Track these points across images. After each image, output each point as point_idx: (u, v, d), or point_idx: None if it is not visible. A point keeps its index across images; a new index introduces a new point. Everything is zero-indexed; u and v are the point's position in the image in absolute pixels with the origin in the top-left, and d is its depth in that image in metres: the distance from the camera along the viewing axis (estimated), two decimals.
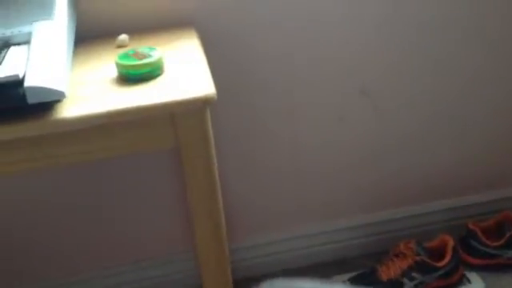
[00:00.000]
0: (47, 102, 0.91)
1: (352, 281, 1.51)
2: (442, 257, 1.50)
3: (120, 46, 1.15)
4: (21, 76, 0.90)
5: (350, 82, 1.44)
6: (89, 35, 1.18)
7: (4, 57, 0.96)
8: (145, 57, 1.02)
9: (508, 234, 1.51)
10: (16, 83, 0.89)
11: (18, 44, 1.00)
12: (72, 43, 1.09)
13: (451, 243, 1.50)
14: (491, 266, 1.53)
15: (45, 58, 0.94)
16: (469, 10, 1.42)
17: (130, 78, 1.02)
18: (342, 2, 1.35)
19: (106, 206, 1.46)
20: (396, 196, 1.59)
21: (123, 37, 1.16)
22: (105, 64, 1.08)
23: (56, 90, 0.90)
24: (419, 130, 1.53)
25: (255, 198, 1.53)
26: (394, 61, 1.44)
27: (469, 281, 1.52)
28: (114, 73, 1.04)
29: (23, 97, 0.88)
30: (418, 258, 1.48)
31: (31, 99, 0.89)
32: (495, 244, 1.52)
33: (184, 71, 1.05)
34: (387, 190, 1.58)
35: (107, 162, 1.37)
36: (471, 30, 1.45)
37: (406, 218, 1.61)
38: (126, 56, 1.04)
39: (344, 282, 1.50)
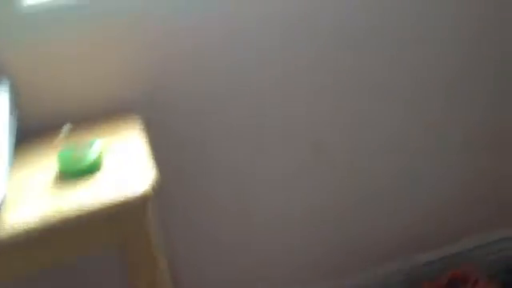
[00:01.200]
0: None
1: None
2: None
3: (63, 138, 1.16)
4: None
5: (301, 143, 1.45)
6: (31, 129, 1.19)
7: None
8: (85, 154, 1.04)
9: None
10: None
11: None
12: (13, 141, 1.10)
13: None
14: None
15: None
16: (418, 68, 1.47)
17: (69, 175, 1.04)
18: (288, 61, 1.36)
19: None
20: (352, 260, 1.61)
21: (66, 127, 1.17)
22: (46, 161, 1.10)
23: None
24: (369, 194, 1.56)
25: (210, 276, 1.52)
26: (347, 118, 1.46)
27: None
28: (55, 169, 1.06)
29: None
30: None
31: None
32: None
33: (124, 165, 1.06)
34: (342, 255, 1.60)
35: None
36: (424, 83, 1.48)
37: (362, 285, 1.63)
38: (66, 154, 1.05)
39: None
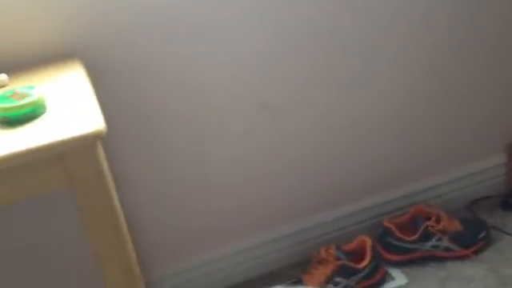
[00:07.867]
0: None
1: None
2: (362, 258, 1.51)
3: (0, 87, 1.08)
4: None
5: (250, 97, 1.42)
6: None
7: None
8: (24, 96, 0.96)
9: (422, 227, 1.54)
10: None
11: None
12: None
13: (369, 243, 1.52)
14: (411, 261, 1.56)
15: None
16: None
17: (11, 120, 0.96)
18: (235, 20, 1.33)
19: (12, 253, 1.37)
20: (311, 203, 1.59)
21: (2, 76, 1.09)
22: None
23: None
24: (324, 140, 1.54)
25: (170, 225, 1.48)
26: (292, 73, 1.44)
27: (392, 278, 1.54)
28: None
29: None
30: (339, 263, 1.48)
31: None
32: (411, 238, 1.54)
33: (70, 107, 0.99)
34: (301, 199, 1.58)
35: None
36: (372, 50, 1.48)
37: (324, 224, 1.61)
38: (4, 98, 0.97)
39: None
